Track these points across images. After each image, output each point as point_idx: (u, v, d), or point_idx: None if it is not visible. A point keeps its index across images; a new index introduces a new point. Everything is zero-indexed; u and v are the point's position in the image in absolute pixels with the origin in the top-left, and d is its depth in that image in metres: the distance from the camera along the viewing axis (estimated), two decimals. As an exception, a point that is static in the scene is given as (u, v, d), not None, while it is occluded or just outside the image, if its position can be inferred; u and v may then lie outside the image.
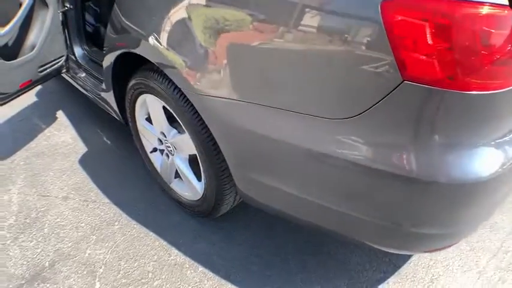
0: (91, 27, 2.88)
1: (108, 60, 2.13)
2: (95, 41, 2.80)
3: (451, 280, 1.91)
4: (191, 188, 2.04)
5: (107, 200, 2.34)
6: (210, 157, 1.70)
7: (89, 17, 2.90)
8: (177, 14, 1.57)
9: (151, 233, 2.15)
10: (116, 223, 2.20)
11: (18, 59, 2.34)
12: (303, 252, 2.02)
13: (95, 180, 2.46)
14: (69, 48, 2.62)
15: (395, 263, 1.97)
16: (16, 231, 2.16)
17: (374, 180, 1.27)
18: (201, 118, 1.64)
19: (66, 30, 2.53)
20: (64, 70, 2.65)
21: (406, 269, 1.95)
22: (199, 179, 1.95)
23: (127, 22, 1.85)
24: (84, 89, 2.63)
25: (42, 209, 2.29)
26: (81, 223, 2.21)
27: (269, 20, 1.29)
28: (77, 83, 2.69)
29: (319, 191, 1.42)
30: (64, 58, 2.63)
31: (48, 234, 2.14)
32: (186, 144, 1.87)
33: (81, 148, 2.70)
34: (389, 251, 1.48)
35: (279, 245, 2.05)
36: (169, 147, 2.06)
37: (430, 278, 1.92)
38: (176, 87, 1.69)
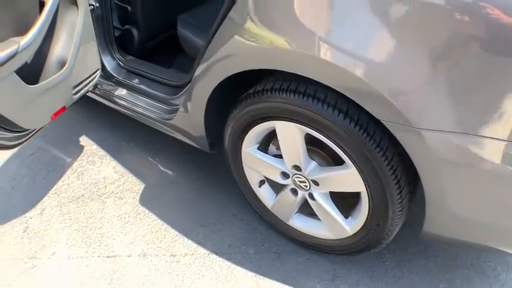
0: (117, 30, 2.11)
1: (209, 80, 1.51)
2: (124, 47, 2.03)
3: None
4: (334, 226, 1.58)
5: (201, 251, 1.72)
6: (388, 196, 1.33)
7: (114, 18, 2.11)
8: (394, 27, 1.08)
9: (276, 283, 1.61)
10: (229, 279, 1.59)
11: (45, 81, 1.57)
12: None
13: (171, 224, 1.81)
14: (97, 58, 1.92)
15: None
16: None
17: None
18: (386, 154, 1.25)
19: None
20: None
21: None
22: (345, 216, 1.53)
23: (280, 32, 1.25)
24: (129, 109, 1.95)
25: (115, 277, 1.59)
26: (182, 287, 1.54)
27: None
28: (115, 103, 2.00)
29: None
30: (99, 72, 1.86)
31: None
32: (342, 180, 1.44)
33: (135, 183, 2.02)
34: None
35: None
36: (304, 182, 1.54)
37: None
38: (348, 115, 1.25)
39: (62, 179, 2.05)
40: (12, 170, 2.07)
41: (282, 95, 1.36)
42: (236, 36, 1.34)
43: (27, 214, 1.87)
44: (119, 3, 2.08)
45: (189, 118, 1.69)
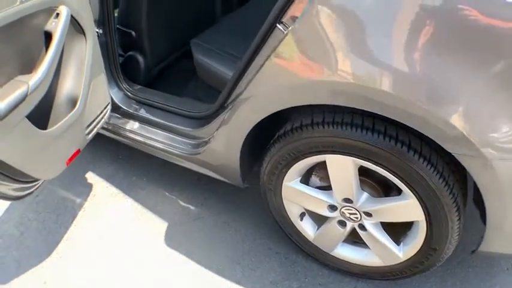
0: (120, 57, 1.91)
1: (250, 115, 1.37)
2: (128, 75, 1.84)
3: None
4: (385, 254, 1.49)
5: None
6: (449, 222, 1.26)
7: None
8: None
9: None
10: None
11: (59, 124, 1.37)
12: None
13: (204, 265, 1.66)
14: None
15: None
16: None
17: None
18: (448, 183, 1.19)
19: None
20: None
21: None
22: (396, 241, 1.45)
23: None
24: (143, 144, 1.76)
25: None
26: None
27: None
28: (125, 138, 1.81)
29: None
30: (109, 107, 1.66)
31: None
32: (400, 211, 1.34)
33: (156, 223, 1.83)
34: None
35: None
36: (355, 214, 1.43)
37: None
38: (411, 147, 1.17)
39: (74, 222, 1.83)
40: (17, 215, 1.84)
41: (336, 128, 1.24)
42: (287, 69, 1.20)
43: (44, 264, 1.66)
44: (122, 29, 1.88)
45: (221, 153, 1.52)
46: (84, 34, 1.49)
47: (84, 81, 1.50)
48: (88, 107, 1.53)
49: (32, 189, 1.50)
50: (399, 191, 1.29)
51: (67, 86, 1.49)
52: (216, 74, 1.69)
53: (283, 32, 1.22)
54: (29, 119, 1.26)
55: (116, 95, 1.82)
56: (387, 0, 1.05)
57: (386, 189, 1.38)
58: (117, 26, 1.87)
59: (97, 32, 1.67)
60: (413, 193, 1.24)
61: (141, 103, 1.81)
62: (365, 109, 1.14)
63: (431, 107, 1.04)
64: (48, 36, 1.37)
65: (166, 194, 1.94)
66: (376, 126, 1.18)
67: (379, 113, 1.13)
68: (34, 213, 1.86)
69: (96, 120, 1.62)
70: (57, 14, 1.36)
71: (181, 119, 1.69)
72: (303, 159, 1.37)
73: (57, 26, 1.34)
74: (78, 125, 1.50)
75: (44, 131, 1.35)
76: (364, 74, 1.09)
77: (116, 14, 1.84)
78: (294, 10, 1.18)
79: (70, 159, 1.51)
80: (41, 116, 1.40)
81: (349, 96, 1.16)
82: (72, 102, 1.49)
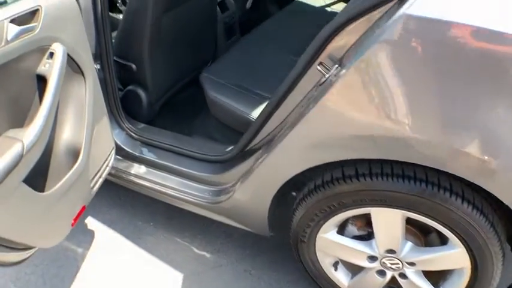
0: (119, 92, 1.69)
1: (287, 166, 1.19)
2: (129, 112, 1.63)
3: None
4: None
5: None
6: (495, 267, 1.18)
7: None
8: None
9: None
10: None
11: (60, 183, 1.16)
12: None
13: None
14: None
15: None
16: None
17: None
18: (497, 230, 1.10)
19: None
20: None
21: None
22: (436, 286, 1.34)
23: None
24: (152, 191, 1.56)
25: None
26: None
27: None
28: (130, 183, 1.60)
29: None
30: (114, 152, 1.45)
31: None
32: (446, 259, 1.23)
33: (169, 273, 1.61)
34: None
35: None
36: (397, 264, 1.29)
37: None
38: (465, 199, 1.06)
39: (78, 275, 1.61)
40: (13, 269, 1.61)
41: (384, 180, 1.09)
42: (335, 119, 1.02)
43: None
44: (121, 61, 1.66)
45: (247, 203, 1.33)
46: (83, 73, 1.28)
47: (85, 128, 1.28)
48: (92, 158, 1.32)
49: (32, 252, 1.28)
50: (441, 237, 1.20)
51: (66, 135, 1.28)
52: (233, 113, 1.50)
53: (324, 75, 1.04)
54: (24, 180, 1.05)
55: (118, 136, 1.61)
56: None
57: (428, 236, 1.28)
58: (114, 58, 1.65)
59: (95, 67, 1.45)
60: (462, 242, 1.14)
61: (148, 144, 1.60)
62: (421, 163, 1.01)
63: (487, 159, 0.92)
64: (41, 79, 1.15)
65: (178, 240, 1.73)
66: (429, 178, 1.06)
67: (436, 167, 1.00)
68: (31, 266, 1.64)
69: (101, 170, 1.41)
70: (51, 54, 1.15)
71: (195, 163, 1.49)
72: (345, 211, 1.20)
73: (52, 69, 1.13)
74: (82, 180, 1.29)
75: (44, 193, 1.14)
76: (430, 127, 0.92)
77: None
78: (341, 47, 1.00)
79: (75, 219, 1.30)
80: (37, 174, 1.17)
81: (407, 150, 0.99)
82: (74, 153, 1.27)
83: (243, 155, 1.34)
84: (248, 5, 2.38)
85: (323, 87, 1.04)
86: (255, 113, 1.47)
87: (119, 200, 1.90)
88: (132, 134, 1.62)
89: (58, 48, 1.15)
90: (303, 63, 1.10)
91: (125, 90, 1.75)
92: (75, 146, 1.27)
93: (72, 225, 1.28)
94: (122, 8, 2.22)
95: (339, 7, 2.35)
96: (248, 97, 1.54)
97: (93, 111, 1.30)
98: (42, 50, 1.14)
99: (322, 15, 2.24)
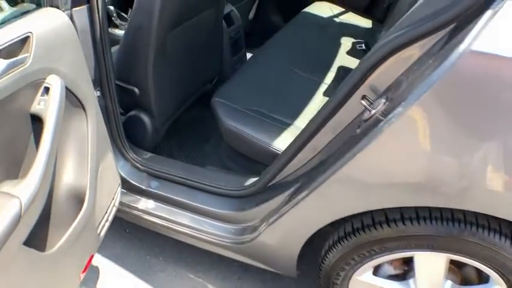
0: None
1: (321, 214, 1.07)
2: (132, 139, 1.46)
3: None
4: None
5: None
6: None
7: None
8: None
9: None
10: None
11: (66, 236, 1.00)
12: None
13: None
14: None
15: None
16: None
17: None
18: None
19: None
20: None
21: None
22: None
23: None
24: (163, 228, 1.40)
25: None
26: None
27: None
28: (137, 219, 1.43)
29: None
30: (120, 189, 1.28)
31: None
32: None
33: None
34: None
35: None
36: None
37: None
38: None
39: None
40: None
41: (433, 224, 0.98)
42: (385, 164, 0.87)
43: None
44: (122, 85, 1.49)
45: (275, 246, 1.17)
46: (84, 107, 1.11)
47: (89, 169, 1.11)
48: (98, 200, 1.15)
49: None
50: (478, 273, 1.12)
51: (68, 179, 1.11)
52: (251, 142, 1.35)
53: (370, 111, 0.89)
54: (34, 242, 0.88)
55: (122, 168, 1.44)
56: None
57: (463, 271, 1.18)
58: (116, 81, 1.47)
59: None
60: (505, 281, 1.06)
61: (156, 176, 1.43)
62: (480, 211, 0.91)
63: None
64: (36, 118, 0.98)
65: (191, 276, 1.57)
66: (479, 221, 0.97)
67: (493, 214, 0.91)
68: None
69: (108, 213, 1.24)
70: (46, 89, 0.98)
71: (211, 197, 1.33)
72: (385, 256, 1.06)
73: (49, 107, 0.96)
74: (88, 228, 1.12)
75: (49, 252, 0.97)
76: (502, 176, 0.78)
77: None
78: (386, 79, 0.86)
79: (84, 271, 1.13)
80: (38, 228, 1.00)
81: (470, 199, 0.85)
82: (78, 199, 1.10)
83: (268, 189, 1.19)
84: (251, 16, 2.22)
85: (371, 124, 0.89)
86: (276, 143, 1.32)
87: (124, 232, 1.73)
88: (138, 165, 1.45)
89: (54, 82, 0.98)
90: (342, 94, 0.96)
91: (127, 116, 1.57)
92: (79, 190, 1.10)
93: (80, 278, 1.11)
94: (118, 22, 2.04)
95: (348, 17, 2.20)
96: (266, 124, 1.38)
97: (97, 149, 1.13)
98: (35, 84, 0.97)
99: (332, 26, 2.10)
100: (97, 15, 1.26)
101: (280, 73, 1.64)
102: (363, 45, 1.93)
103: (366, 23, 2.19)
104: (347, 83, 0.94)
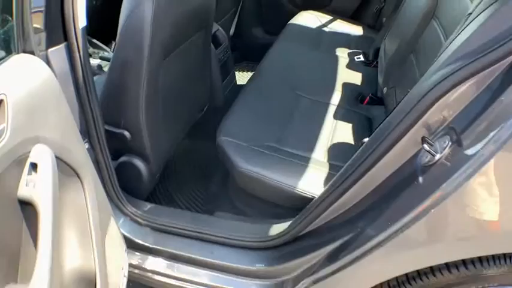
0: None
1: (384, 269, 0.96)
2: (126, 189, 1.28)
3: None
4: None
5: None
6: None
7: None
8: None
9: None
10: None
11: None
12: None
13: None
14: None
15: None
16: None
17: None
18: None
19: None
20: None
21: None
22: None
23: None
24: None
25: None
26: None
27: None
28: (145, 279, 1.24)
29: None
30: (126, 254, 1.11)
31: None
32: None
33: None
34: None
35: None
36: None
37: None
38: None
39: None
40: None
41: (497, 266, 0.89)
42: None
43: None
44: (110, 129, 1.29)
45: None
46: (78, 175, 0.92)
47: (95, 245, 0.92)
48: (109, 278, 0.96)
49: None
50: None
51: (74, 264, 0.92)
52: (270, 186, 1.19)
53: (434, 155, 0.77)
54: None
55: (122, 226, 1.25)
56: None
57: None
58: (105, 126, 1.28)
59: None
60: None
61: (161, 231, 1.24)
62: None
63: None
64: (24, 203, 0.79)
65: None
66: None
67: None
68: None
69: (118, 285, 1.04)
70: (33, 165, 0.78)
71: (231, 251, 1.17)
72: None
73: (40, 190, 0.77)
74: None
75: None
76: None
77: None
78: (444, 119, 0.75)
79: None
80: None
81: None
82: (87, 282, 0.91)
83: (303, 238, 1.05)
84: (231, 32, 2.06)
85: (440, 173, 0.77)
86: (299, 184, 1.18)
87: None
88: (138, 219, 1.27)
89: (42, 155, 0.78)
90: (394, 136, 0.82)
91: (118, 163, 1.37)
92: (86, 273, 0.91)
93: None
94: (90, 50, 1.82)
95: (337, 25, 2.08)
96: (284, 162, 1.24)
97: (100, 221, 0.95)
98: (19, 162, 0.77)
99: (323, 38, 1.97)
100: (78, 54, 1.06)
101: (285, 98, 1.49)
102: (361, 56, 1.82)
103: (356, 29, 2.08)
104: (398, 123, 0.82)
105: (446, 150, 0.77)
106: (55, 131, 0.83)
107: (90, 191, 0.94)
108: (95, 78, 1.13)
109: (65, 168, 0.88)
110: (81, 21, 1.07)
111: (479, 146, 0.73)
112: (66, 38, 1.05)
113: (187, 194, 1.50)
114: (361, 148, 0.93)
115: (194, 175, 1.55)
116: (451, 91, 0.76)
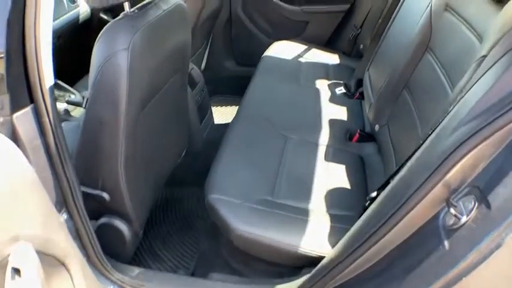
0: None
1: None
2: (108, 252, 1.18)
3: None
4: None
5: None
6: None
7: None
8: None
9: None
10: None
11: None
12: None
13: None
14: None
15: None
16: None
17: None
18: None
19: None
20: None
21: None
22: None
23: None
24: None
25: None
26: None
27: None
28: None
29: None
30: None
31: None
32: None
33: None
34: None
35: None
36: None
37: None
38: None
39: None
40: None
41: None
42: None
43: None
44: (86, 191, 1.17)
45: None
46: (64, 264, 0.80)
47: None
48: None
49: None
50: None
51: None
52: (270, 247, 1.10)
53: (459, 218, 0.71)
54: None
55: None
56: None
57: None
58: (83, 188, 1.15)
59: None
60: None
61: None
62: None
63: None
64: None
65: None
66: None
67: None
68: None
69: None
70: (16, 270, 0.67)
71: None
72: None
73: None
74: None
75: None
76: None
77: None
78: (463, 178, 0.71)
79: None
80: None
81: None
82: None
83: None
84: (202, 66, 1.98)
85: (468, 237, 0.71)
86: (301, 241, 1.10)
87: None
88: (127, 287, 1.14)
89: (23, 258, 0.67)
90: (416, 199, 0.76)
91: (98, 225, 1.24)
92: None
93: None
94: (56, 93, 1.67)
95: (312, 55, 2.04)
96: (281, 218, 1.15)
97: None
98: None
99: (300, 70, 1.91)
100: (47, 118, 0.95)
101: (272, 142, 1.41)
102: (342, 87, 1.78)
103: (332, 58, 2.05)
104: (421, 185, 0.76)
105: (474, 213, 0.72)
106: (35, 224, 0.72)
107: (78, 278, 0.82)
108: (62, 124, 1.00)
109: (49, 260, 0.76)
110: (49, 79, 0.96)
111: (508, 206, 0.69)
112: (32, 100, 0.93)
113: (174, 251, 1.39)
114: (372, 208, 0.87)
115: (177, 227, 1.44)
116: (474, 150, 0.72)
